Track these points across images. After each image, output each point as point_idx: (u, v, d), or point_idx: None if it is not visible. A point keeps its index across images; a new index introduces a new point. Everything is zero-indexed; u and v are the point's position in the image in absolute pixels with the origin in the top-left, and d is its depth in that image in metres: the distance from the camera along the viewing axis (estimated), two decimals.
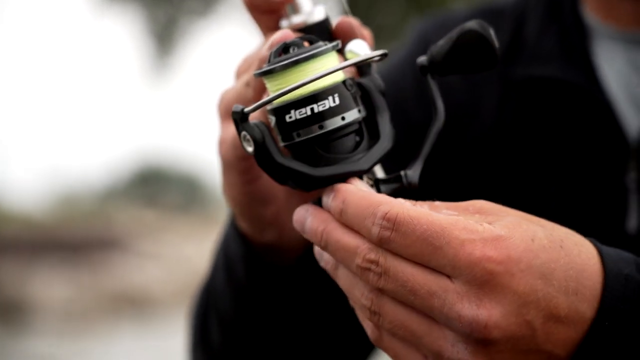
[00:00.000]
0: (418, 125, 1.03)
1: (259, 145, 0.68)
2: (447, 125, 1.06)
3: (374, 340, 0.70)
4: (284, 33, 0.73)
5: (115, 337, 9.05)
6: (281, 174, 0.69)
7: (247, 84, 0.77)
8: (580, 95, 1.04)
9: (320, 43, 0.70)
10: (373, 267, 0.66)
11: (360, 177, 0.70)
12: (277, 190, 0.83)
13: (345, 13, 0.79)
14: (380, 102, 0.72)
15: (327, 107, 0.68)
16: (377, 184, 0.71)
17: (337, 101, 0.68)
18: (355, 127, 0.70)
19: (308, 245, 0.87)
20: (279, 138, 0.70)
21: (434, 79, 0.73)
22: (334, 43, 0.71)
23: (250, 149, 0.69)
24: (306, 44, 0.71)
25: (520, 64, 1.07)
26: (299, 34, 0.75)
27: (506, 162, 1.06)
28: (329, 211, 0.69)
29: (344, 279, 0.69)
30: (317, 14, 0.77)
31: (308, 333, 0.95)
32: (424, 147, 0.72)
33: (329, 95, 0.68)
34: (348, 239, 0.67)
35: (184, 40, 11.85)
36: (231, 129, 0.78)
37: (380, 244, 0.65)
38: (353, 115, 0.69)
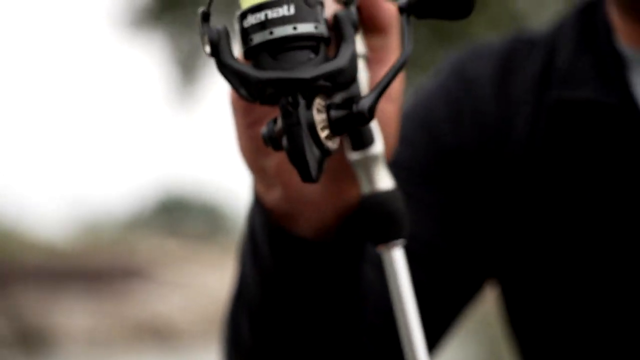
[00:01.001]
0: (451, 150, 1.03)
1: (213, 45, 0.70)
2: (478, 145, 1.03)
3: None
4: None
5: None
6: (232, 79, 0.71)
7: None
8: (616, 117, 1.00)
9: None
10: None
11: (312, 96, 0.70)
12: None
13: None
14: (349, 33, 0.73)
15: (280, 14, 0.70)
16: (328, 108, 0.71)
17: (292, 11, 0.70)
18: (310, 42, 0.71)
19: (324, 219, 0.84)
20: (240, 46, 0.72)
21: (408, 21, 0.74)
22: None
23: (207, 49, 0.71)
24: None
25: (553, 88, 1.04)
26: None
27: (539, 185, 1.03)
28: None
29: None
30: None
31: (338, 334, 0.90)
32: (382, 80, 0.72)
33: (284, 4, 0.70)
34: None
35: (207, 69, 11.93)
36: None
37: None
38: (307, 28, 0.70)
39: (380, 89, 0.72)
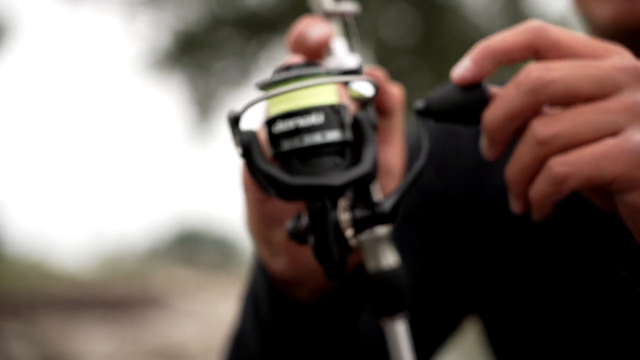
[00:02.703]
0: (436, 198, 1.03)
1: (245, 148, 0.69)
2: (460, 193, 1.00)
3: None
4: (292, 58, 0.75)
5: None
6: (262, 180, 0.70)
7: None
8: None
9: (321, 67, 0.71)
10: (535, 67, 0.64)
11: (338, 198, 0.69)
12: (288, 214, 0.82)
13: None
14: (369, 134, 0.72)
15: (310, 123, 0.69)
16: (352, 209, 0.70)
17: (321, 120, 0.69)
18: (336, 148, 0.70)
19: (322, 285, 0.86)
20: (269, 149, 0.71)
21: (425, 124, 0.73)
22: (334, 68, 0.73)
23: (239, 151, 0.70)
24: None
25: None
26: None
27: (516, 229, 1.02)
28: None
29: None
30: (350, 61, 0.79)
31: None
32: (403, 182, 0.71)
33: (314, 112, 0.69)
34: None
35: (222, 107, 11.95)
36: None
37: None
38: (334, 136, 0.69)
39: (402, 192, 0.71)
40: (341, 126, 0.70)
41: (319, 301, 0.86)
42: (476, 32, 11.00)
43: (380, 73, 0.79)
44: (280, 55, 11.03)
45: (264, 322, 0.88)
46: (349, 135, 0.70)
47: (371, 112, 0.73)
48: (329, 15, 0.81)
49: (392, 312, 0.72)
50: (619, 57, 0.64)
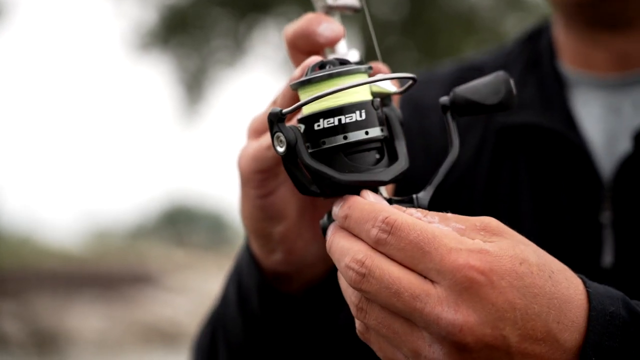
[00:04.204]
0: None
1: (291, 146, 0.69)
2: (425, 169, 0.96)
3: (360, 334, 0.70)
4: (315, 58, 0.75)
5: None
6: (307, 178, 0.70)
7: (274, 102, 0.78)
8: (556, 140, 1.03)
9: (353, 65, 0.72)
10: (357, 267, 0.66)
11: (377, 193, 0.71)
12: (289, 208, 0.82)
13: (378, 55, 0.81)
14: (399, 129, 0.73)
15: (353, 120, 0.70)
16: (390, 202, 0.71)
17: (363, 116, 0.70)
18: (377, 144, 0.71)
19: (316, 274, 0.87)
20: (306, 145, 0.71)
21: (453, 119, 0.75)
22: (367, 65, 0.73)
23: (281, 149, 0.70)
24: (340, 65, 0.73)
25: (500, 114, 1.05)
26: None
27: (482, 206, 1.06)
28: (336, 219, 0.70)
29: (340, 279, 0.70)
30: (352, 56, 0.80)
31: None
32: (437, 175, 0.73)
33: (356, 109, 0.70)
34: (344, 242, 0.68)
35: (212, 88, 11.93)
36: (253, 144, 0.80)
37: (376, 245, 0.66)
38: (376, 132, 0.71)
39: (437, 184, 0.73)
40: (380, 122, 0.71)
41: (307, 292, 0.86)
42: (468, 9, 10.91)
43: (382, 66, 0.80)
44: (273, 37, 10.96)
45: (251, 313, 0.88)
46: (386, 131, 0.72)
47: (394, 106, 0.74)
48: (330, 9, 0.81)
49: None
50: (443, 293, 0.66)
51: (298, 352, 0.90)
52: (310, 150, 0.71)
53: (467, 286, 0.64)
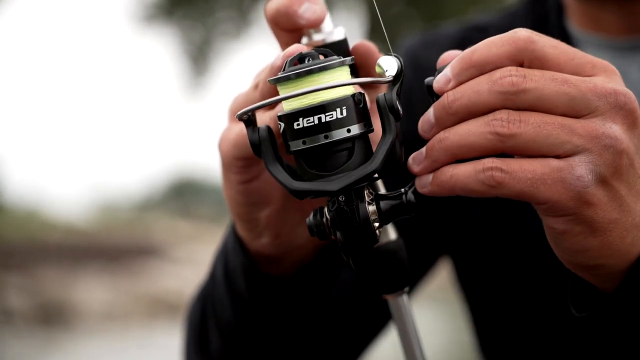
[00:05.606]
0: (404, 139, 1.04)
1: (255, 149, 0.67)
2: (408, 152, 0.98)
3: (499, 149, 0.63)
4: (297, 46, 0.70)
5: (151, 337, 9.09)
6: (279, 175, 0.67)
7: (255, 87, 0.74)
8: None
9: (335, 57, 0.67)
10: (514, 72, 0.62)
11: (363, 190, 0.66)
12: (273, 193, 0.79)
13: (380, 23, 0.78)
14: (389, 123, 0.67)
15: (334, 118, 0.66)
16: (377, 200, 0.67)
17: (344, 114, 0.66)
18: (349, 144, 0.66)
19: (307, 254, 0.84)
20: (288, 144, 0.68)
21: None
22: (347, 58, 0.67)
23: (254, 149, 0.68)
24: (321, 57, 0.68)
25: None
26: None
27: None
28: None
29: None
30: (336, 34, 0.76)
31: (307, 341, 0.92)
32: None
33: (337, 107, 0.66)
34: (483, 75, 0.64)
35: (217, 60, 11.92)
36: (235, 129, 0.77)
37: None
38: (359, 129, 0.66)
39: None
40: (364, 117, 0.67)
41: (299, 272, 0.85)
42: None
43: (370, 44, 0.77)
44: None
45: (239, 294, 0.87)
46: (370, 125, 0.67)
47: (394, 92, 0.67)
48: None
49: (396, 289, 0.73)
50: (602, 78, 0.64)
51: (290, 331, 0.89)
52: (293, 149, 0.67)
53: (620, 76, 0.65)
